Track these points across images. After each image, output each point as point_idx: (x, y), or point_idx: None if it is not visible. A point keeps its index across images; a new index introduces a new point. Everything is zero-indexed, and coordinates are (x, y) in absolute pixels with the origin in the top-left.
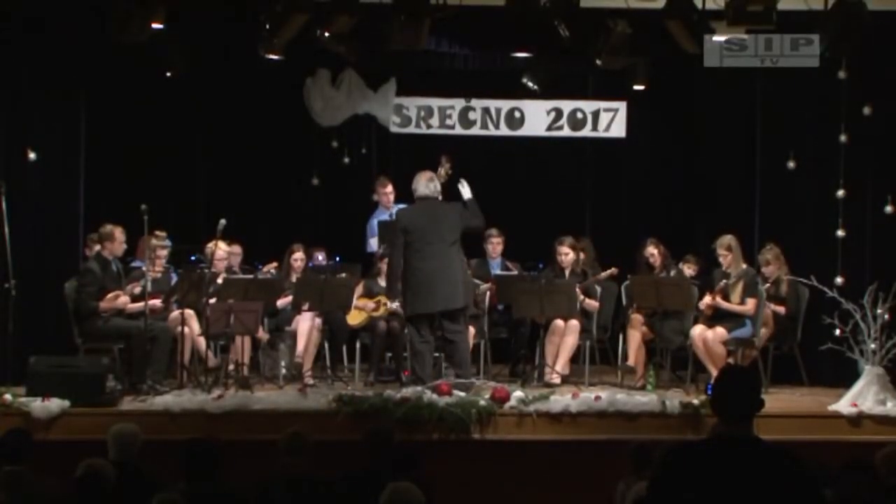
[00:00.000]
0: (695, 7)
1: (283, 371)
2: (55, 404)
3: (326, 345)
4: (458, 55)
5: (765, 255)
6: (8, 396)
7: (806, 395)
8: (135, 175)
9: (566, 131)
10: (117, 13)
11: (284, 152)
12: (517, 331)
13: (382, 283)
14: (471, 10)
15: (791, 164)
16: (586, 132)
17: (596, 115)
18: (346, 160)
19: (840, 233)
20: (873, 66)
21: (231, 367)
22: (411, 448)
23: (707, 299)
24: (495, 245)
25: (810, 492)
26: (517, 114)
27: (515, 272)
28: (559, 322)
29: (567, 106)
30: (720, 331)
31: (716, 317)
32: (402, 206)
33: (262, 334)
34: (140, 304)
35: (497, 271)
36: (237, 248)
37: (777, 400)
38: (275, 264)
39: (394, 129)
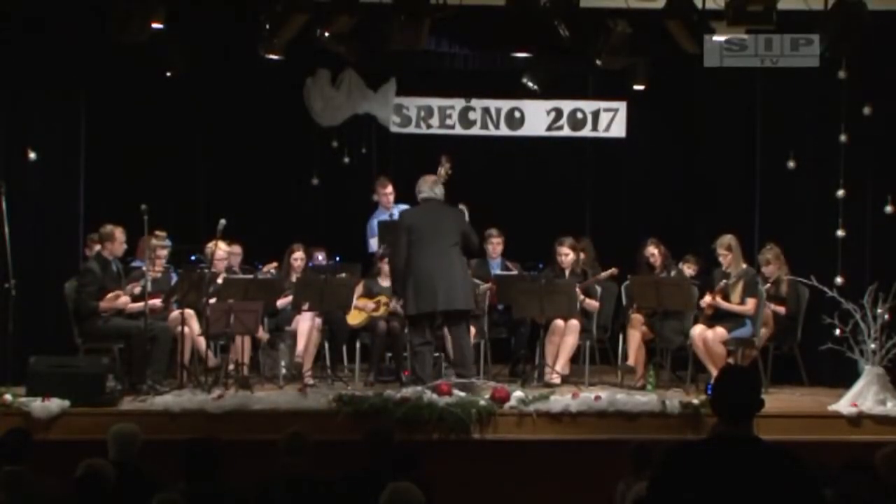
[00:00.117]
0: (695, 7)
1: (283, 371)
2: (55, 404)
3: (326, 345)
4: (458, 55)
5: (765, 254)
6: (8, 396)
7: (806, 395)
8: (135, 175)
9: (566, 131)
10: (117, 13)
11: (284, 152)
12: (517, 331)
13: (382, 283)
14: (471, 10)
15: (791, 164)
16: (586, 132)
17: (596, 115)
18: (346, 160)
19: (840, 233)
20: (873, 66)
21: (231, 367)
22: (411, 448)
23: (707, 299)
24: (495, 245)
25: (810, 492)
26: (517, 114)
27: (515, 272)
28: (559, 322)
29: (567, 106)
30: (720, 331)
31: (716, 317)
32: (402, 206)
33: (262, 334)
34: (140, 304)
35: (497, 271)
36: (237, 248)
37: (777, 400)
38: (275, 264)
39: (394, 129)
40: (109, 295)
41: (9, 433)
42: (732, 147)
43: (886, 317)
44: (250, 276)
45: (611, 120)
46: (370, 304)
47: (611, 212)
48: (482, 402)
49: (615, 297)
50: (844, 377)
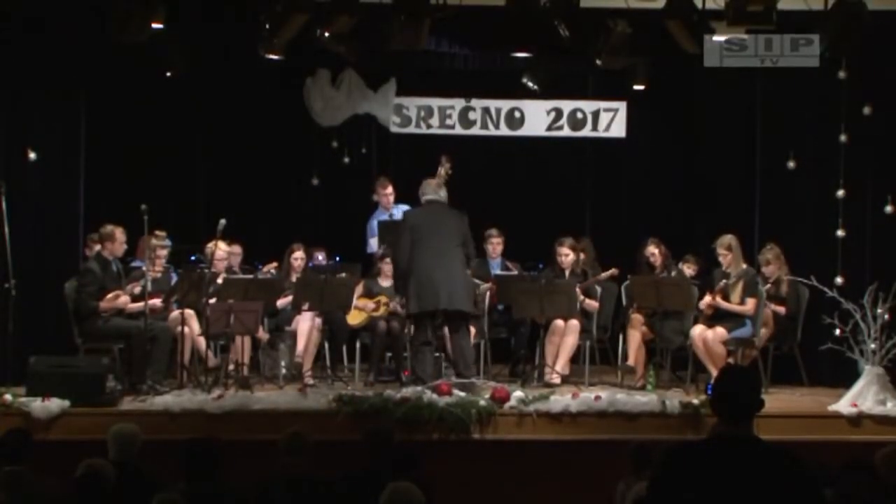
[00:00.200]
0: (695, 7)
1: (283, 371)
2: (55, 404)
3: (326, 345)
4: (458, 55)
5: (765, 254)
6: (8, 396)
7: (806, 395)
8: (135, 175)
9: (566, 131)
10: (117, 13)
11: (284, 152)
12: (517, 331)
13: (382, 283)
14: (471, 10)
15: (791, 164)
16: (586, 132)
17: (596, 115)
18: (346, 160)
19: (840, 233)
20: (873, 66)
21: (231, 367)
22: (411, 448)
23: (707, 299)
24: (495, 245)
25: (810, 492)
26: (517, 114)
27: (515, 272)
28: (559, 322)
29: (567, 106)
30: (720, 331)
31: (716, 317)
32: (402, 206)
33: (262, 334)
34: (140, 304)
35: (497, 271)
36: (237, 248)
37: (777, 400)
38: (275, 264)
39: (394, 129)
40: (109, 295)
41: (9, 433)
42: (732, 147)
43: (886, 317)
44: (250, 276)
45: (611, 120)
46: (370, 304)
47: (611, 212)
48: (482, 402)
49: (615, 297)
50: (844, 377)
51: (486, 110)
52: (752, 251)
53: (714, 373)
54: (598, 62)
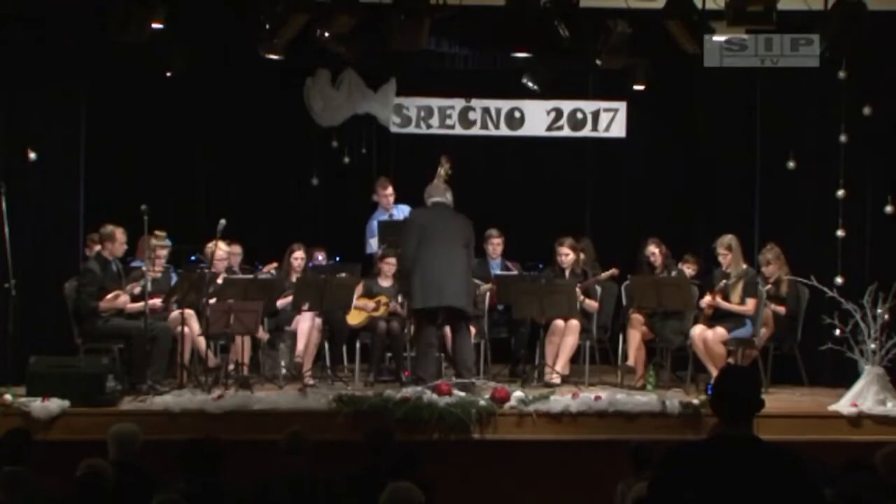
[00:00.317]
0: (695, 7)
1: (283, 371)
2: (55, 404)
3: (326, 345)
4: (458, 55)
5: (765, 254)
6: (8, 396)
7: (806, 395)
8: (135, 175)
9: (566, 131)
10: (117, 13)
11: (284, 152)
12: (517, 331)
13: (382, 283)
14: (471, 10)
15: (791, 164)
16: (586, 132)
17: (596, 115)
18: (346, 160)
19: (840, 233)
20: (873, 66)
21: (231, 367)
22: (411, 448)
23: (707, 299)
24: (495, 246)
25: (810, 492)
26: (517, 114)
27: (515, 272)
28: (559, 322)
29: (567, 106)
30: (720, 331)
31: (716, 317)
32: (402, 206)
33: (262, 334)
34: (140, 304)
35: (497, 272)
36: (237, 248)
37: (777, 400)
38: (275, 264)
39: (394, 129)
40: (109, 295)
41: (9, 433)
42: (732, 147)
43: (886, 317)
44: (250, 276)
45: (611, 120)
46: (370, 304)
47: (611, 212)
48: (482, 402)
49: (615, 297)
50: (844, 377)
51: (486, 110)
52: (752, 251)
53: (714, 373)
54: (598, 62)
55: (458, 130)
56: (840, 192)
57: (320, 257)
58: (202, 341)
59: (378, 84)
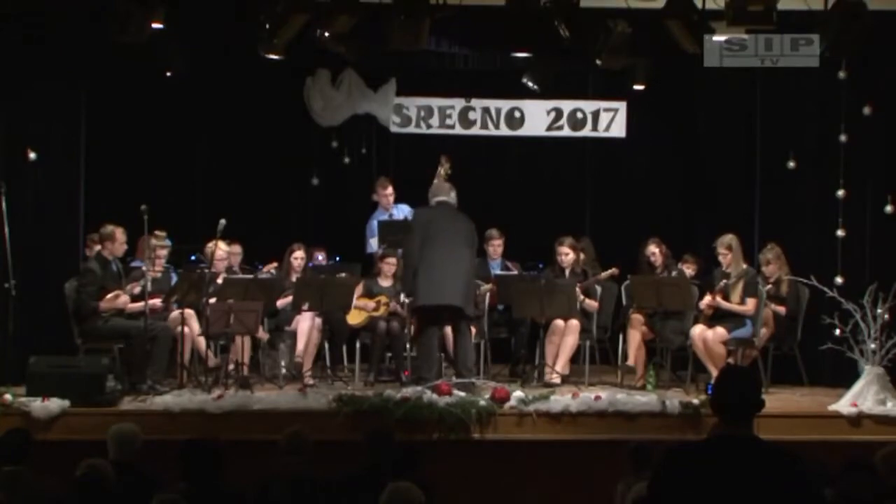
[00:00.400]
0: (695, 7)
1: (283, 371)
2: (55, 404)
3: (326, 345)
4: (458, 55)
5: (765, 254)
6: (8, 396)
7: (806, 395)
8: (135, 175)
9: (566, 131)
10: (117, 13)
11: (284, 152)
12: (517, 331)
13: (382, 283)
14: (471, 10)
15: (791, 164)
16: (586, 132)
17: (596, 115)
18: (346, 160)
19: (840, 233)
20: (873, 66)
21: (231, 367)
22: (411, 448)
23: (707, 299)
24: (496, 247)
25: (810, 492)
26: (517, 114)
27: (515, 272)
28: (559, 322)
29: (567, 106)
30: (720, 331)
31: (716, 317)
32: (402, 206)
33: (262, 334)
34: (140, 304)
35: (497, 272)
36: (237, 248)
37: (777, 400)
38: (275, 264)
39: (394, 129)
40: (109, 295)
41: (9, 433)
42: (732, 147)
43: (886, 317)
44: (250, 276)
45: (611, 120)
46: (370, 304)
47: (611, 212)
48: (482, 402)
49: (615, 297)
50: (844, 377)
51: (486, 110)
52: (752, 251)
53: (714, 373)
54: (598, 62)
55: (458, 130)
56: (840, 192)
57: (320, 257)
58: (202, 341)
59: (378, 84)
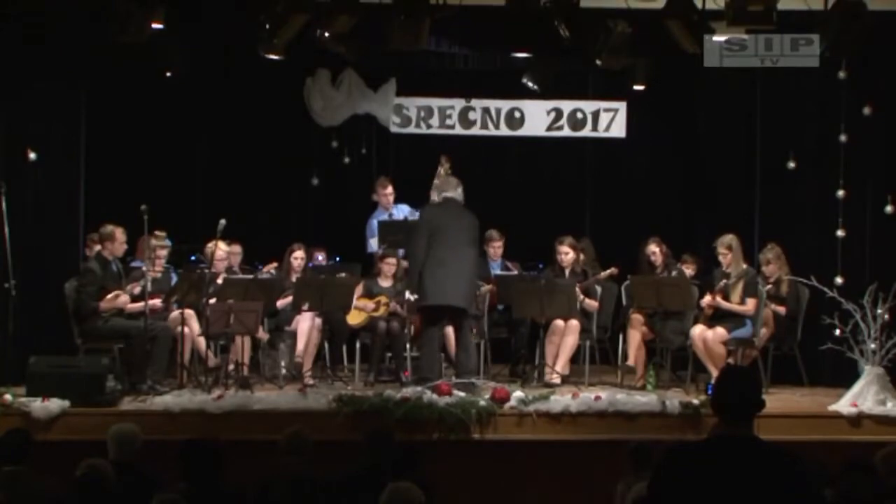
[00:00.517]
0: (695, 7)
1: (283, 371)
2: (55, 404)
3: (326, 345)
4: (458, 55)
5: (766, 254)
6: (8, 396)
7: (806, 395)
8: (135, 175)
9: (566, 131)
10: (117, 13)
11: (284, 152)
12: (517, 331)
13: (382, 283)
14: (471, 10)
15: (791, 164)
16: (586, 132)
17: (596, 115)
18: (346, 160)
19: (840, 233)
20: (873, 66)
21: (231, 367)
22: (411, 448)
23: (707, 299)
24: (496, 248)
25: (810, 492)
26: (517, 114)
27: (515, 272)
28: (559, 322)
29: (567, 106)
30: (720, 331)
31: (716, 317)
32: (402, 206)
33: (262, 334)
34: (140, 304)
35: (497, 272)
36: (237, 248)
37: (777, 400)
38: (275, 264)
39: (394, 129)
40: (109, 295)
41: (9, 433)
42: (732, 147)
43: (886, 317)
44: (250, 276)
45: (611, 120)
46: (370, 304)
47: (611, 212)
48: (482, 402)
49: (615, 297)
50: (844, 377)
51: (486, 110)
52: (752, 251)
53: (714, 373)
54: (598, 62)
55: (458, 130)
56: (840, 192)
57: (320, 257)
58: (202, 341)
59: (378, 84)
